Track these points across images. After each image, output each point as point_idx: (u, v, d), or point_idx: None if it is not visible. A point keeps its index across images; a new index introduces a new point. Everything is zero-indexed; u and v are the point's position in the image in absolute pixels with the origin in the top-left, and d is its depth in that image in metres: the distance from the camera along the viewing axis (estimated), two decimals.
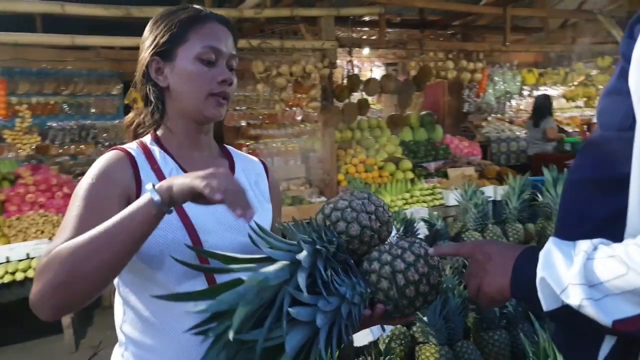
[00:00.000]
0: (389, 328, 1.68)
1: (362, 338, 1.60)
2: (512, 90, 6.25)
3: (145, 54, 1.07)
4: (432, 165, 5.23)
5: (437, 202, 4.50)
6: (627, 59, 0.75)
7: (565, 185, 0.91)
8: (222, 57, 1.06)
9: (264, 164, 1.28)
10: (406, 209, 4.29)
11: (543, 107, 6.64)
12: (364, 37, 6.99)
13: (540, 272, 0.74)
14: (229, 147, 1.25)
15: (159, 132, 1.13)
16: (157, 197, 0.83)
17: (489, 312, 1.88)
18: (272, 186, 1.25)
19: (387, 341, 1.77)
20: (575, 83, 6.63)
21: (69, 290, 0.82)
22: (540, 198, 2.81)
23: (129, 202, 0.92)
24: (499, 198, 4.35)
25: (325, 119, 4.39)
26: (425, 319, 1.77)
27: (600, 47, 6.64)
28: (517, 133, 8.00)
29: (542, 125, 6.66)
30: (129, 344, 1.04)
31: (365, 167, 4.80)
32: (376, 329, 1.59)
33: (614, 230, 0.75)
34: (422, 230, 2.42)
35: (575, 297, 0.69)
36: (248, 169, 1.23)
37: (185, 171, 1.08)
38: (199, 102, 1.05)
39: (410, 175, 4.88)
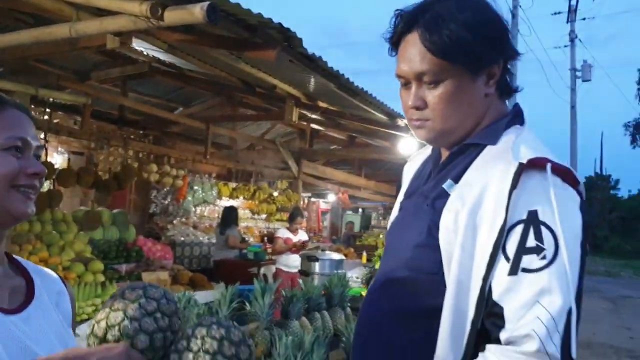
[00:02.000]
0: None
1: None
2: (209, 199, 6.65)
3: None
4: (123, 268, 4.90)
5: None
6: (434, 223, 1.00)
7: (364, 320, 1.05)
8: (29, 148, 0.90)
9: (60, 278, 1.06)
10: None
11: (229, 217, 7.23)
12: (55, 120, 6.35)
13: None
14: (19, 258, 1.00)
15: None
16: None
17: None
18: (73, 306, 1.05)
19: None
20: (261, 199, 7.55)
21: None
22: (248, 307, 2.97)
23: None
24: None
25: None
26: None
27: (279, 171, 7.88)
28: (201, 238, 8.36)
29: (227, 233, 7.19)
30: None
31: (48, 267, 4.11)
32: None
33: (422, 351, 0.92)
34: None
35: None
36: (48, 285, 0.99)
37: None
38: (2, 199, 0.85)
39: (101, 277, 4.42)
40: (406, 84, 1.06)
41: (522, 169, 0.93)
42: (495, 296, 0.91)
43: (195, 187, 6.40)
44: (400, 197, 1.20)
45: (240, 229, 10.01)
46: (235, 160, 7.87)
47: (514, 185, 0.92)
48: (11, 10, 3.72)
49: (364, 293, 3.93)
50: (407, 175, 1.23)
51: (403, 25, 1.03)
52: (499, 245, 0.91)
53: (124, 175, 4.87)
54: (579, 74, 21.31)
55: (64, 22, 2.85)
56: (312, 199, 13.63)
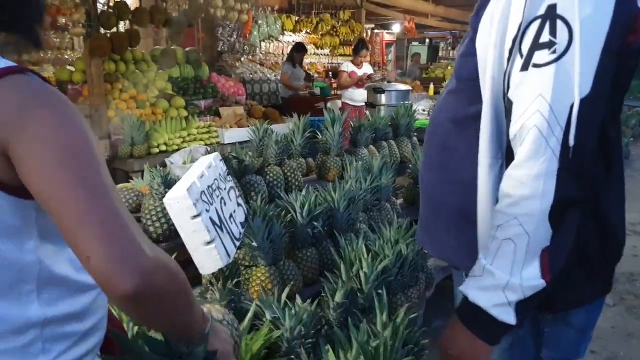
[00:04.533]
0: (233, 254, 1.79)
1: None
2: (274, 33, 6.63)
3: None
4: (202, 103, 5.26)
5: (213, 140, 4.60)
6: (475, 30, 1.04)
7: (428, 127, 1.19)
8: None
9: None
10: (184, 147, 4.28)
11: (290, 53, 7.20)
12: None
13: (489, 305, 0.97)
14: None
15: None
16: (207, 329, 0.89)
17: (301, 232, 2.17)
18: None
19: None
20: (324, 31, 7.38)
21: (156, 301, 0.73)
22: (319, 136, 3.22)
23: None
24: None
25: (92, 48, 3.92)
26: (254, 243, 1.95)
27: (341, 0, 7.53)
28: (268, 75, 8.52)
29: (282, 68, 7.20)
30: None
31: (137, 103, 4.52)
32: (225, 256, 1.69)
33: (469, 154, 1.05)
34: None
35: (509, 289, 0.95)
36: None
37: None
38: None
39: (184, 112, 4.82)
40: None
41: None
42: (509, 93, 0.94)
43: (260, 22, 6.35)
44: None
45: (304, 65, 9.98)
46: None
47: None
48: None
49: None
50: None
51: None
52: (517, 41, 0.92)
53: (192, 11, 4.92)
54: None
55: None
56: (376, 31, 13.09)
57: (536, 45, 0.90)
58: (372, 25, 12.92)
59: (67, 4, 3.73)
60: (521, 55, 0.93)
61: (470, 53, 1.04)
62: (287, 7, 8.79)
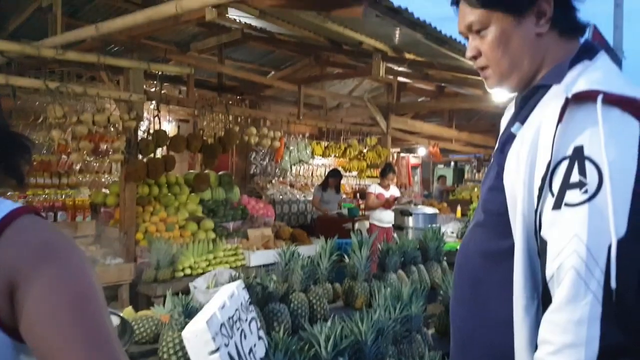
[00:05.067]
0: None
1: None
2: (304, 158, 6.94)
3: None
4: (231, 225, 5.32)
5: (239, 263, 4.57)
6: (501, 166, 1.04)
7: (458, 259, 1.14)
8: None
9: None
10: (210, 269, 4.24)
11: (332, 178, 7.40)
12: (163, 91, 6.87)
13: None
14: None
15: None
16: None
17: None
18: None
19: None
20: (351, 156, 7.69)
21: None
22: (346, 259, 3.14)
23: None
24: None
25: (127, 173, 4.11)
26: None
27: (368, 128, 7.90)
28: (298, 196, 8.74)
29: (313, 191, 7.39)
30: None
31: (166, 226, 4.60)
32: None
33: (500, 289, 0.99)
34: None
35: None
36: None
37: None
38: None
39: (212, 235, 4.86)
40: (467, 39, 1.14)
41: (568, 103, 0.93)
42: (542, 232, 0.94)
43: (291, 148, 6.71)
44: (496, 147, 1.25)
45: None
46: (326, 120, 8.01)
47: (559, 120, 0.93)
48: None
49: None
50: (502, 126, 1.25)
51: None
52: (546, 181, 0.93)
53: (228, 139, 5.20)
54: None
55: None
56: (402, 154, 13.52)
57: (567, 185, 0.91)
58: (398, 149, 13.36)
59: (111, 133, 3.99)
60: (552, 194, 0.92)
61: (498, 188, 1.04)
62: (317, 134, 9.26)
